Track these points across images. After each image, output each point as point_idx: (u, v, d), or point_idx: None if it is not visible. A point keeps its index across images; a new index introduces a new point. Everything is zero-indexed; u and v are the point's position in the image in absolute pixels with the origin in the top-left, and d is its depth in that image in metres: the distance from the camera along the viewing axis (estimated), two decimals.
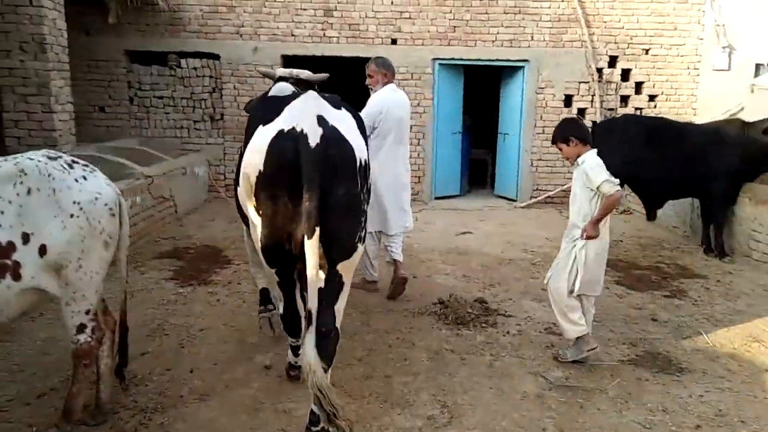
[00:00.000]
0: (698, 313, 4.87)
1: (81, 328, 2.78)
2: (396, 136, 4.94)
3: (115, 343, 3.10)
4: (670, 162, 6.23)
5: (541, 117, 9.38)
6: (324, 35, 9.25)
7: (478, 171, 10.86)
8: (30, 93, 6.16)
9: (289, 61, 9.53)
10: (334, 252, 2.90)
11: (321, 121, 2.88)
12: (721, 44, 9.19)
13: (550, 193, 9.42)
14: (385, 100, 4.88)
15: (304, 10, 9.17)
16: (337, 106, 3.19)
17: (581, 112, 9.40)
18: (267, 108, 3.25)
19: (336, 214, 2.82)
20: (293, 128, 2.84)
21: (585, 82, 9.32)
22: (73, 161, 2.76)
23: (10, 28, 6.01)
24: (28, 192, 2.54)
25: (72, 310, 2.73)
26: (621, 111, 9.32)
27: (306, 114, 2.90)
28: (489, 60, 9.33)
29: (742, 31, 9.13)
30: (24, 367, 3.52)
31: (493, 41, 9.28)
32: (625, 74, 9.42)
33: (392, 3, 9.17)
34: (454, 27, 9.25)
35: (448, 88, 9.47)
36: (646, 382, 3.68)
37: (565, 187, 9.36)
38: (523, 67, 9.34)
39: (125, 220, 2.89)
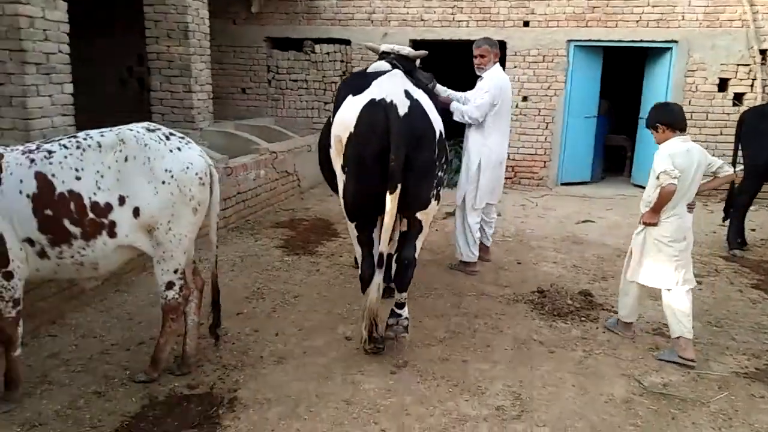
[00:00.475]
0: None
1: (169, 285, 3.03)
2: (507, 113, 5.12)
3: (201, 305, 3.32)
4: None
5: (690, 102, 8.45)
6: (453, 19, 9.13)
7: (616, 158, 10.07)
8: (173, 75, 6.82)
9: (417, 45, 9.57)
10: (414, 204, 3.52)
11: (408, 95, 3.40)
12: None
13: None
14: (501, 80, 4.98)
15: None
16: (418, 85, 3.63)
17: (738, 97, 8.32)
18: (356, 81, 3.71)
19: (416, 176, 3.39)
20: (383, 98, 3.33)
21: (744, 65, 8.22)
22: (171, 134, 3.00)
23: (159, 17, 6.68)
24: (126, 159, 2.81)
25: (162, 268, 2.98)
26: None
27: (395, 87, 3.43)
28: (632, 42, 8.59)
29: None
30: (133, 316, 3.94)
31: (637, 21, 8.51)
32: None
33: None
34: (593, 7, 8.63)
35: (583, 71, 8.88)
36: (759, 400, 3.21)
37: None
38: (670, 48, 8.47)
39: (216, 189, 3.09)
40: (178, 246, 2.96)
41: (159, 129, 2.99)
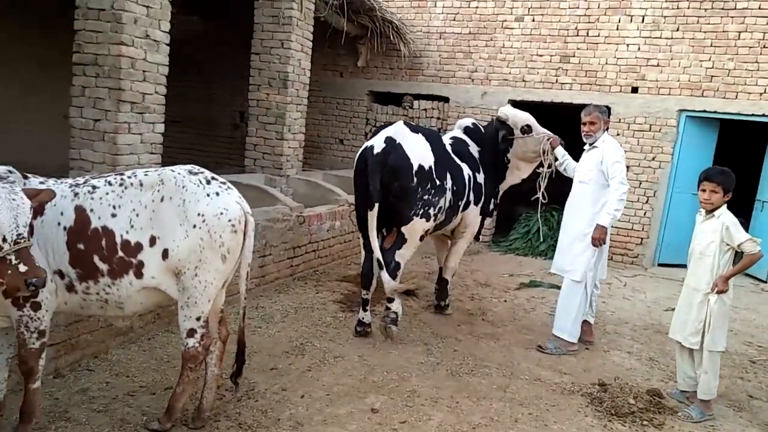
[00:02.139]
0: None
1: (191, 332, 2.98)
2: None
3: (223, 356, 3.31)
4: None
5: None
6: (557, 81, 8.90)
7: None
8: (269, 122, 7.17)
9: (517, 105, 9.40)
10: (394, 220, 4.66)
11: (388, 140, 4.54)
12: None
13: None
14: (622, 151, 4.89)
15: (540, 56, 8.96)
16: (415, 131, 4.77)
17: None
18: (373, 134, 4.89)
19: (394, 197, 4.52)
20: (368, 144, 4.63)
21: None
22: (213, 178, 3.01)
23: (263, 66, 7.11)
24: (162, 199, 2.85)
25: (185, 314, 2.95)
26: None
27: (381, 135, 4.63)
28: (752, 115, 7.84)
29: None
30: (172, 358, 4.00)
31: (761, 94, 7.79)
32: None
33: (638, 49, 8.39)
34: (711, 76, 8.03)
35: (694, 143, 8.22)
36: None
37: None
38: None
39: (250, 237, 3.03)
40: (203, 293, 2.92)
41: (202, 172, 3.00)
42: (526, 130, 5.36)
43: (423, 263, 7.46)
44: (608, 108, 7.94)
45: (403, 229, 4.64)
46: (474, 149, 5.42)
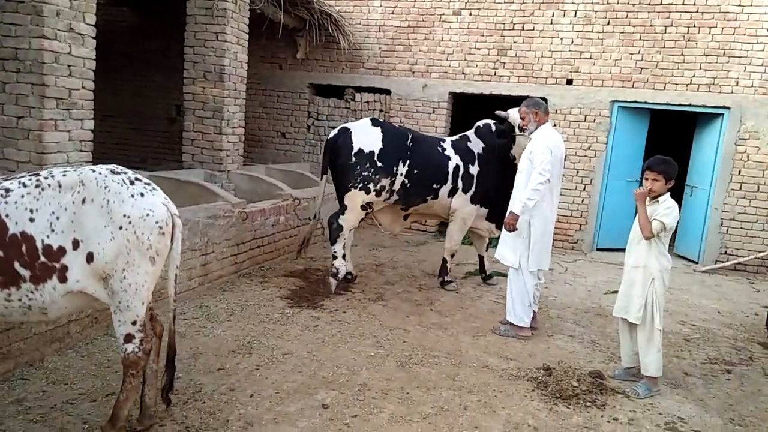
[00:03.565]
0: None
1: (128, 338, 2.85)
2: (558, 175, 5.03)
3: (159, 351, 3.17)
4: None
5: (740, 172, 7.97)
6: (495, 74, 9.05)
7: None
8: (206, 116, 6.97)
9: (457, 98, 9.53)
10: (338, 191, 5.82)
11: (342, 128, 5.85)
12: None
13: (742, 260, 7.90)
14: (555, 140, 4.93)
15: (478, 49, 9.09)
16: (376, 125, 5.83)
17: None
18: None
19: (336, 173, 5.77)
20: (331, 133, 5.96)
21: None
22: (136, 178, 2.88)
23: (197, 59, 6.89)
24: (83, 201, 2.70)
25: (119, 319, 2.83)
26: None
27: (342, 126, 5.90)
28: (680, 105, 8.23)
29: None
30: (113, 363, 3.83)
31: (687, 85, 8.18)
32: None
33: (572, 42, 8.64)
34: (641, 68, 8.37)
35: (627, 133, 8.56)
36: None
37: (763, 254, 7.80)
38: (722, 114, 8.07)
39: (177, 239, 2.93)
40: (135, 296, 2.79)
41: (125, 172, 2.87)
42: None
43: (371, 255, 7.45)
44: (544, 100, 8.21)
45: (345, 197, 5.71)
46: (476, 145, 6.16)
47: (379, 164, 5.62)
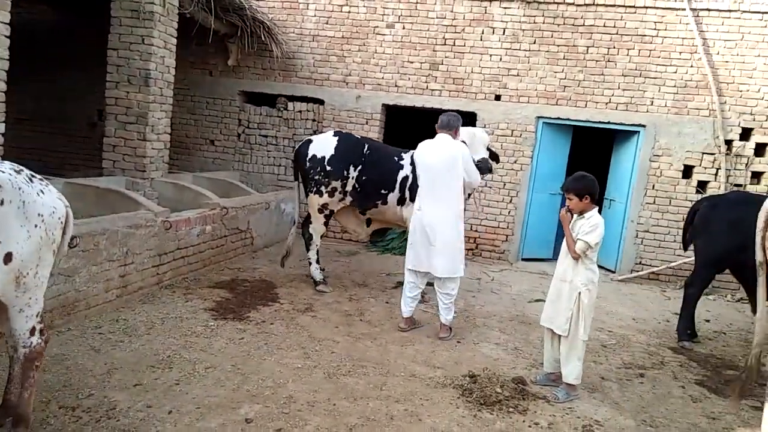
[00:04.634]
0: None
1: (32, 331, 2.87)
2: (429, 180, 5.19)
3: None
4: None
5: (654, 186, 8.45)
6: (427, 87, 9.21)
7: None
8: (129, 121, 6.70)
9: (390, 109, 9.62)
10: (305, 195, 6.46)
11: (307, 140, 6.49)
12: None
13: (655, 269, 8.36)
14: (419, 150, 5.33)
15: (411, 63, 9.22)
16: (336, 134, 6.43)
17: (702, 185, 8.32)
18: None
19: (303, 179, 6.41)
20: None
21: (709, 154, 8.27)
22: (33, 176, 2.84)
23: (121, 62, 6.62)
24: (2, 203, 2.58)
25: (26, 315, 2.81)
26: (750, 188, 8.11)
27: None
28: (599, 123, 8.66)
29: None
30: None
31: (606, 103, 8.62)
32: (760, 149, 8.21)
33: (500, 59, 8.92)
34: (564, 86, 8.74)
35: (551, 148, 8.91)
36: None
37: (674, 264, 8.28)
38: (638, 132, 8.54)
39: (69, 231, 2.99)
40: (41, 288, 2.85)
41: (23, 170, 2.81)
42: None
43: (301, 265, 7.36)
44: (473, 115, 8.46)
45: (308, 204, 6.38)
46: None
47: (329, 168, 6.16)
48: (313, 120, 9.57)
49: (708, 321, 6.45)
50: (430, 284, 6.64)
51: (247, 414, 3.54)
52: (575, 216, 4.20)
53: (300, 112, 9.61)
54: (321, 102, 9.53)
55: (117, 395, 3.58)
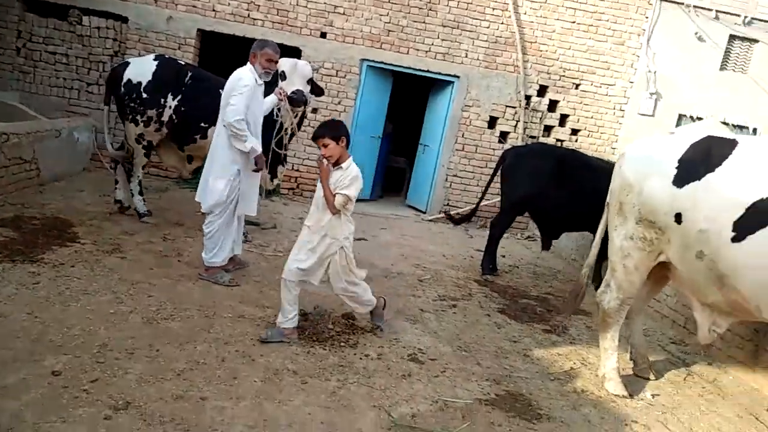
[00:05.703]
0: (573, 353, 4.55)
1: None
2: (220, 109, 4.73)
3: None
4: (572, 194, 5.93)
5: (463, 135, 9.08)
6: (249, 16, 8.62)
7: (396, 179, 10.50)
8: None
9: (207, 36, 8.85)
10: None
11: (124, 62, 6.10)
12: (649, 90, 9.22)
13: (460, 211, 9.09)
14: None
15: None
16: (156, 59, 5.92)
17: (504, 135, 9.16)
18: None
19: (118, 105, 5.98)
20: None
21: (512, 107, 9.09)
22: None
23: None
24: None
25: None
26: (542, 140, 9.14)
27: None
28: (419, 70, 8.95)
29: (670, 81, 9.20)
30: None
31: (426, 52, 8.91)
32: (553, 105, 9.26)
33: None
34: (389, 31, 8.83)
35: (373, 92, 9.02)
36: (498, 428, 3.25)
37: (474, 206, 9.04)
38: (452, 82, 9.02)
39: None
40: None
41: None
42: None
43: (102, 201, 6.55)
44: (298, 50, 8.18)
45: (125, 132, 5.95)
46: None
47: (144, 95, 5.72)
48: (114, 39, 8.43)
49: (504, 257, 7.20)
50: (255, 224, 6.43)
51: (53, 366, 3.09)
52: (332, 168, 3.85)
53: (98, 29, 8.38)
54: (125, 20, 8.39)
55: None
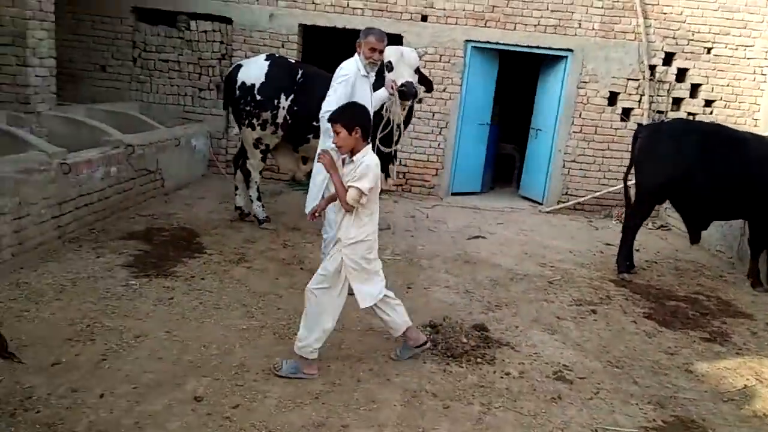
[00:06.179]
0: (743, 366, 3.99)
1: None
2: None
3: None
4: (723, 177, 5.24)
5: (580, 115, 8.41)
6: (348, 5, 8.43)
7: (505, 168, 9.94)
8: (4, 42, 5.51)
9: (308, 30, 8.78)
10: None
11: (237, 65, 6.14)
12: None
13: (581, 199, 8.48)
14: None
15: None
16: (268, 59, 5.95)
17: (626, 112, 8.40)
18: None
19: (233, 110, 6.06)
20: None
21: (634, 80, 8.29)
22: None
23: None
24: None
25: None
26: (672, 115, 8.28)
27: None
28: (528, 47, 8.37)
29: None
30: None
31: (535, 26, 8.31)
32: (681, 74, 8.35)
33: None
34: (493, 6, 8.30)
35: (479, 75, 8.56)
36: None
37: (599, 193, 8.42)
38: (566, 57, 8.36)
39: None
40: None
41: None
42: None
43: (222, 208, 6.67)
44: (400, 37, 7.89)
45: (243, 138, 5.97)
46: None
47: (259, 97, 5.71)
48: (221, 42, 8.54)
49: (638, 251, 6.59)
50: None
51: (195, 390, 3.06)
52: (346, 160, 3.36)
53: (205, 32, 8.52)
54: (229, 21, 8.48)
55: (32, 379, 2.96)
